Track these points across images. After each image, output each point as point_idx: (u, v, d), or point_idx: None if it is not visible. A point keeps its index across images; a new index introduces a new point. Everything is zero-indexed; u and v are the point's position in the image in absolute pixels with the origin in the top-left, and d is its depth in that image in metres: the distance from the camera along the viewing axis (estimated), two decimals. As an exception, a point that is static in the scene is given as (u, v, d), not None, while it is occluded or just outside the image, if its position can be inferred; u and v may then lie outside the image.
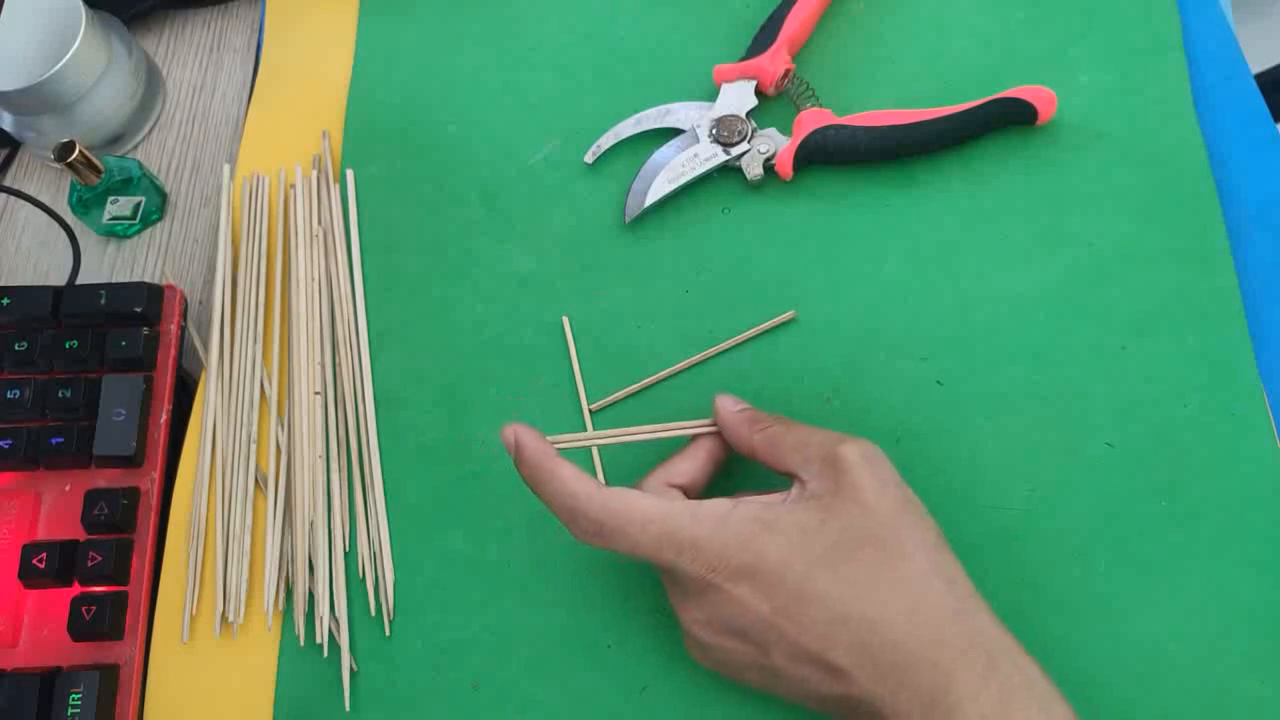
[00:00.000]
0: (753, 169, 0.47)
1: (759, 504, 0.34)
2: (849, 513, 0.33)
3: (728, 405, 0.39)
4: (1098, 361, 0.42)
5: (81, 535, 0.43)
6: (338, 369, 0.46)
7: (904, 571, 0.32)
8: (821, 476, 0.34)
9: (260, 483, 0.44)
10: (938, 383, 0.43)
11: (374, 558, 0.43)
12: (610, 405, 0.44)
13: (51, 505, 0.44)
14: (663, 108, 0.49)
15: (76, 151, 0.47)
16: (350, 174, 0.50)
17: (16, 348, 0.45)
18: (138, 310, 0.45)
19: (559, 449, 0.37)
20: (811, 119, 0.46)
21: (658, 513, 0.34)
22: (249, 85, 0.55)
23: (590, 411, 0.44)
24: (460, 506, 0.43)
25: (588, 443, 0.40)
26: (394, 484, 0.44)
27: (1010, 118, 0.45)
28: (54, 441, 0.44)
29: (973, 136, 0.46)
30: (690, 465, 0.38)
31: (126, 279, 0.51)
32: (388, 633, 0.41)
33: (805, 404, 0.43)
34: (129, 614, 0.42)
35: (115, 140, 0.54)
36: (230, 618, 0.42)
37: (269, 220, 0.50)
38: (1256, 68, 0.51)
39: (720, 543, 0.33)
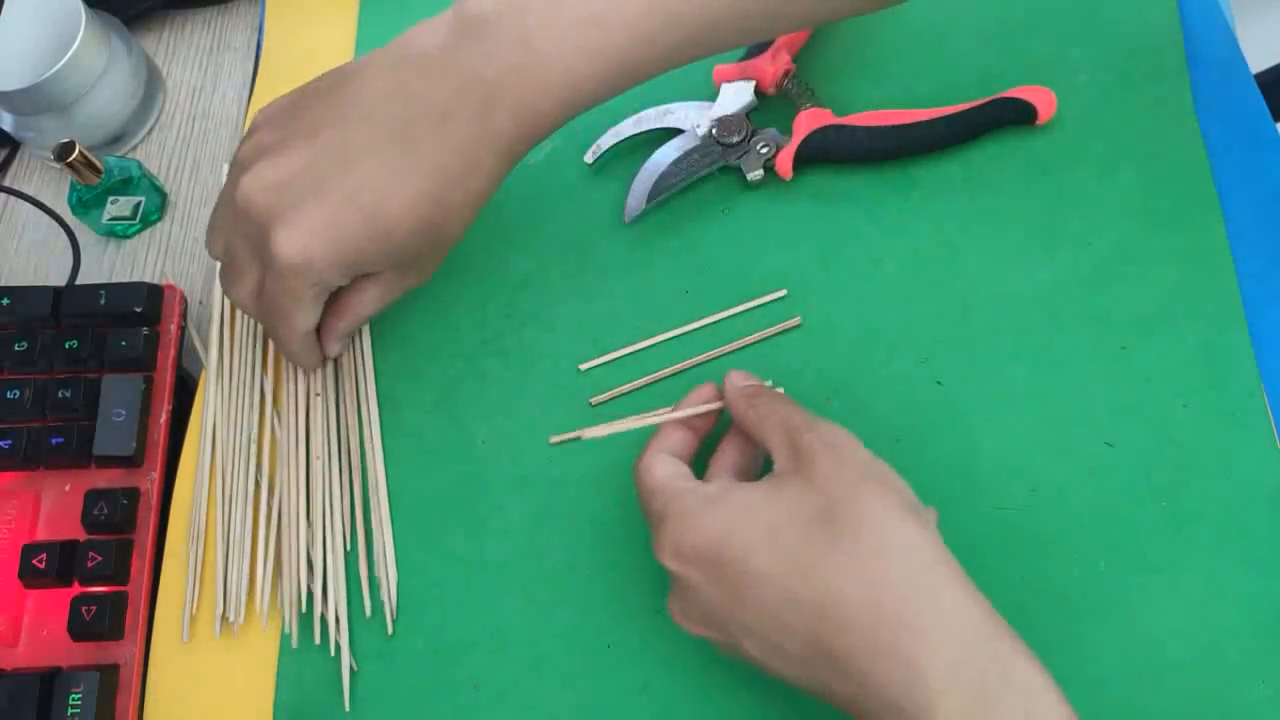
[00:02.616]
0: (752, 169, 0.47)
1: (720, 484, 0.34)
2: (799, 490, 0.32)
3: (736, 381, 0.39)
4: (1098, 361, 0.42)
5: (81, 535, 0.43)
6: (338, 369, 0.46)
7: (857, 548, 0.30)
8: (787, 457, 0.34)
9: (260, 483, 0.44)
10: (938, 383, 0.43)
11: (380, 557, 0.43)
12: (609, 401, 0.44)
13: (51, 505, 0.44)
14: (662, 108, 0.49)
15: (76, 151, 0.47)
16: None
17: (16, 348, 0.45)
18: (138, 310, 0.45)
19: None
20: (811, 119, 0.46)
21: (649, 484, 0.35)
22: (249, 85, 0.55)
23: (590, 407, 0.44)
24: (460, 506, 0.43)
25: (608, 431, 0.40)
26: (394, 484, 0.44)
27: (1010, 118, 0.45)
28: (54, 441, 0.44)
29: (973, 136, 0.46)
30: (681, 435, 0.38)
31: (126, 279, 0.51)
32: (389, 632, 0.41)
33: (805, 404, 0.43)
34: (129, 614, 0.42)
35: (115, 140, 0.54)
36: (230, 618, 0.42)
37: (269, 220, 0.50)
38: (1256, 68, 0.51)
39: (673, 520, 0.33)
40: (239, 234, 0.38)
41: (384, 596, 0.42)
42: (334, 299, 0.41)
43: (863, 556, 0.30)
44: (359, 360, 0.46)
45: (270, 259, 0.37)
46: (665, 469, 0.36)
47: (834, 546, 0.30)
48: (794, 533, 0.31)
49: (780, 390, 0.40)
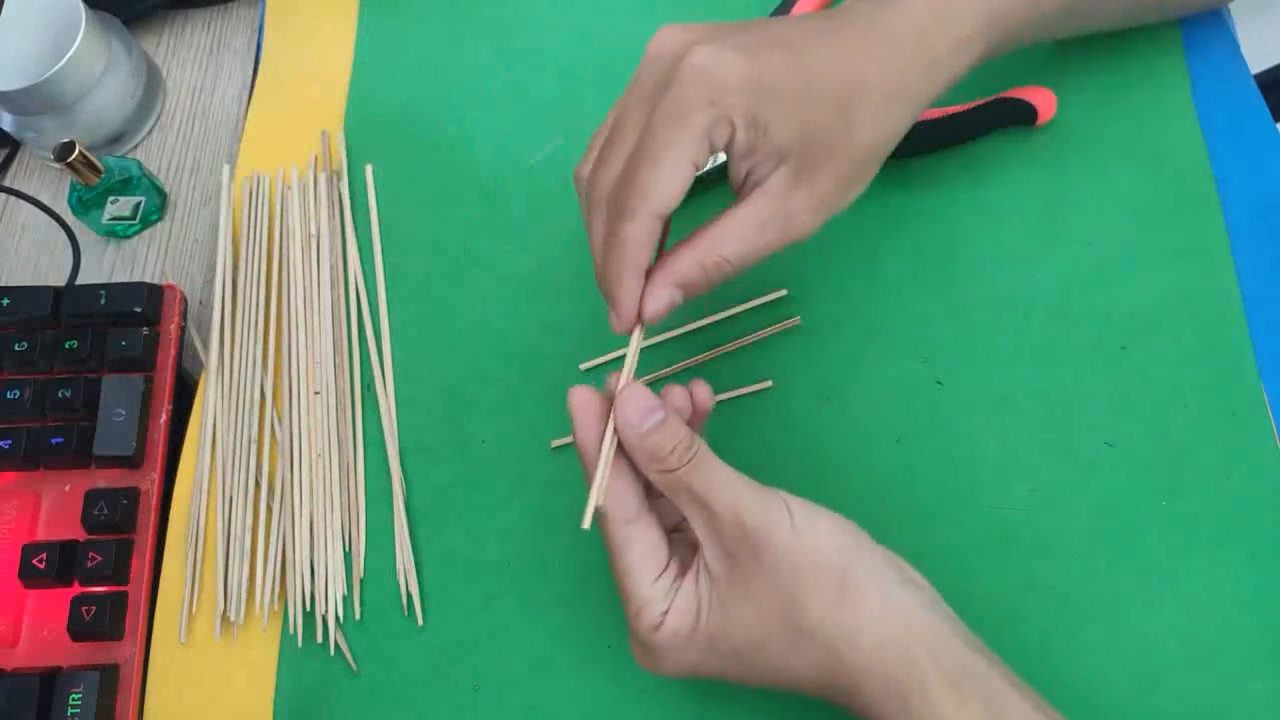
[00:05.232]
0: (753, 169, 0.47)
1: (681, 612, 0.34)
2: (748, 610, 0.33)
3: (632, 417, 0.33)
4: (1098, 361, 0.42)
5: (81, 535, 0.43)
6: (338, 369, 0.46)
7: (815, 649, 0.33)
8: (717, 556, 0.33)
9: (260, 483, 0.44)
10: (938, 383, 0.43)
11: (399, 550, 0.43)
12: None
13: (51, 505, 0.44)
14: (663, 108, 0.49)
15: (76, 151, 0.47)
16: (369, 169, 0.51)
17: (16, 348, 0.45)
18: (138, 310, 0.45)
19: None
20: (811, 119, 0.46)
21: (624, 590, 0.35)
22: (249, 85, 0.55)
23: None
24: (460, 506, 0.43)
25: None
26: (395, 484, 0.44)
27: (1010, 118, 0.45)
28: (54, 441, 0.44)
29: (973, 136, 0.46)
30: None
31: (126, 279, 0.51)
32: (389, 632, 0.41)
33: (805, 404, 0.43)
34: (129, 614, 0.42)
35: (115, 140, 0.54)
36: (231, 617, 0.42)
37: (269, 220, 0.50)
38: (1256, 68, 0.51)
39: (647, 653, 0.35)
40: (637, 88, 0.34)
41: (405, 591, 0.42)
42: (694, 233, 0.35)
43: (828, 663, 0.33)
44: (359, 359, 0.46)
45: (672, 78, 0.32)
46: (631, 578, 0.34)
47: (798, 649, 0.33)
48: (759, 649, 0.33)
49: (681, 435, 0.33)
